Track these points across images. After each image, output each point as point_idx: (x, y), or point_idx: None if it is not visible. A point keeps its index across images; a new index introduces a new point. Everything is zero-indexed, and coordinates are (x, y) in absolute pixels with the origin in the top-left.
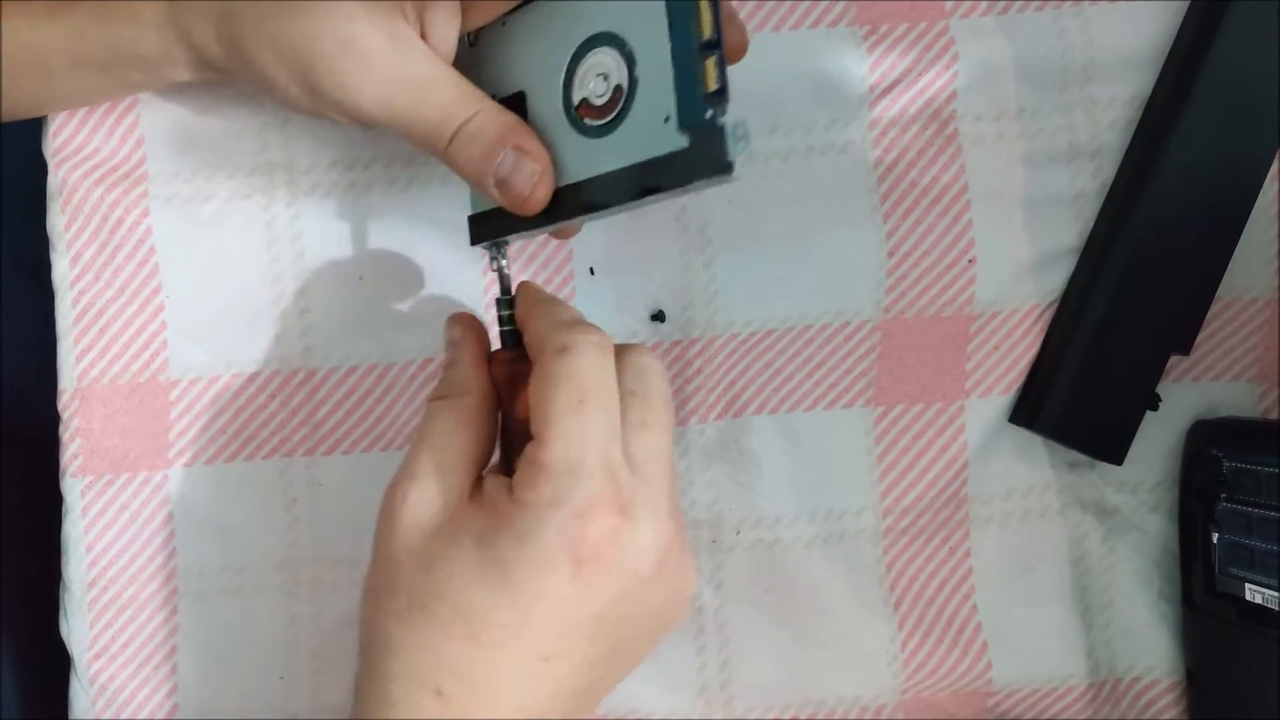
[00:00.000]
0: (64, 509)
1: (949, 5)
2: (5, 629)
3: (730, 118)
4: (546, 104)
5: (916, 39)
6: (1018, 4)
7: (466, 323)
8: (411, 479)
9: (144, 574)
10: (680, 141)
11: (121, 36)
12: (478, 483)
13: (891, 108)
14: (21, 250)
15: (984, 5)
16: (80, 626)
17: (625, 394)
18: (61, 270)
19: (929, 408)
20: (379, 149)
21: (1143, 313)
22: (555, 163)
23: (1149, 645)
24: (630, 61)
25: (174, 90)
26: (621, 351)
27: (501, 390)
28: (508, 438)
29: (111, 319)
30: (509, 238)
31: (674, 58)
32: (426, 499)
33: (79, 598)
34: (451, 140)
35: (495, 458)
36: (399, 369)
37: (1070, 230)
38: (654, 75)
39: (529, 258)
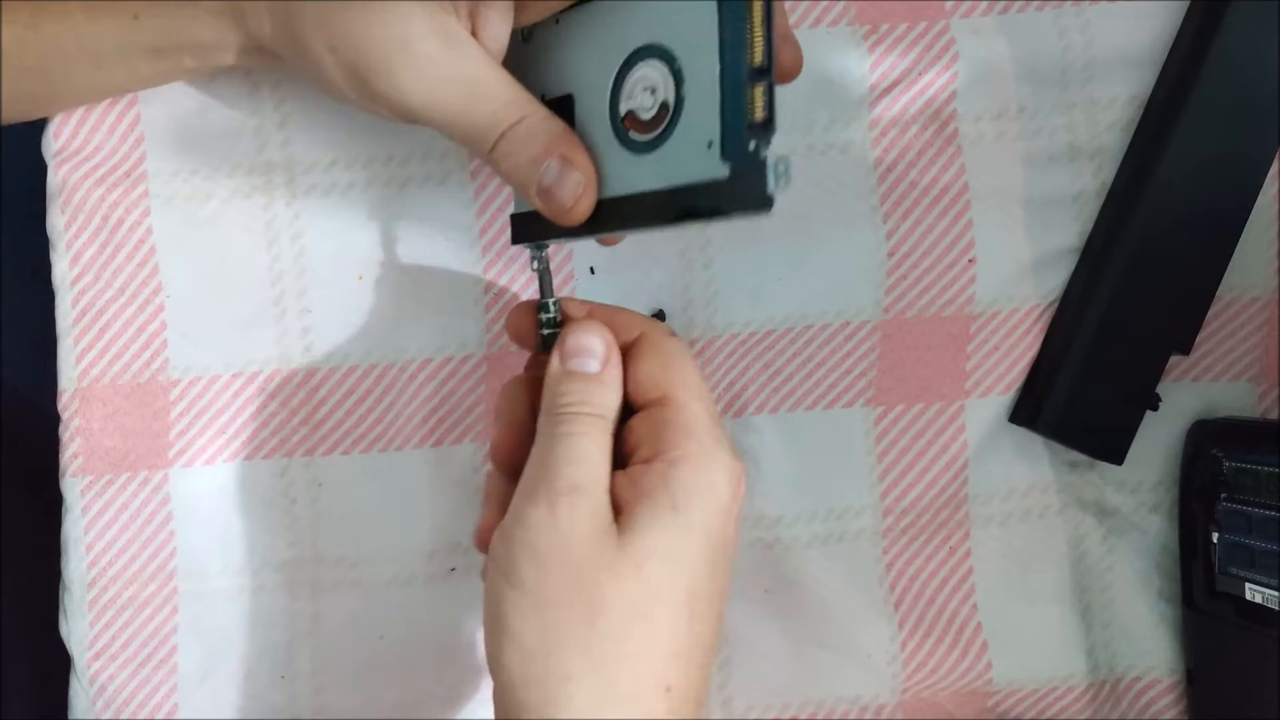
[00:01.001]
0: (64, 509)
1: (949, 5)
2: (5, 629)
3: (773, 150)
4: (594, 111)
5: (916, 39)
6: (1018, 4)
7: (609, 341)
8: (584, 493)
9: (144, 574)
10: (721, 170)
11: (177, 23)
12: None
13: (892, 108)
14: (21, 250)
15: (984, 5)
16: (80, 626)
17: (686, 393)
18: (62, 270)
19: (929, 408)
20: (379, 149)
21: (1143, 313)
22: (598, 173)
23: (1149, 645)
24: (678, 79)
25: (174, 90)
26: (659, 352)
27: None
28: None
29: (112, 319)
30: (549, 242)
31: (722, 82)
32: (599, 512)
33: (79, 598)
34: (497, 144)
35: None
36: (399, 369)
37: (1070, 230)
38: (701, 97)
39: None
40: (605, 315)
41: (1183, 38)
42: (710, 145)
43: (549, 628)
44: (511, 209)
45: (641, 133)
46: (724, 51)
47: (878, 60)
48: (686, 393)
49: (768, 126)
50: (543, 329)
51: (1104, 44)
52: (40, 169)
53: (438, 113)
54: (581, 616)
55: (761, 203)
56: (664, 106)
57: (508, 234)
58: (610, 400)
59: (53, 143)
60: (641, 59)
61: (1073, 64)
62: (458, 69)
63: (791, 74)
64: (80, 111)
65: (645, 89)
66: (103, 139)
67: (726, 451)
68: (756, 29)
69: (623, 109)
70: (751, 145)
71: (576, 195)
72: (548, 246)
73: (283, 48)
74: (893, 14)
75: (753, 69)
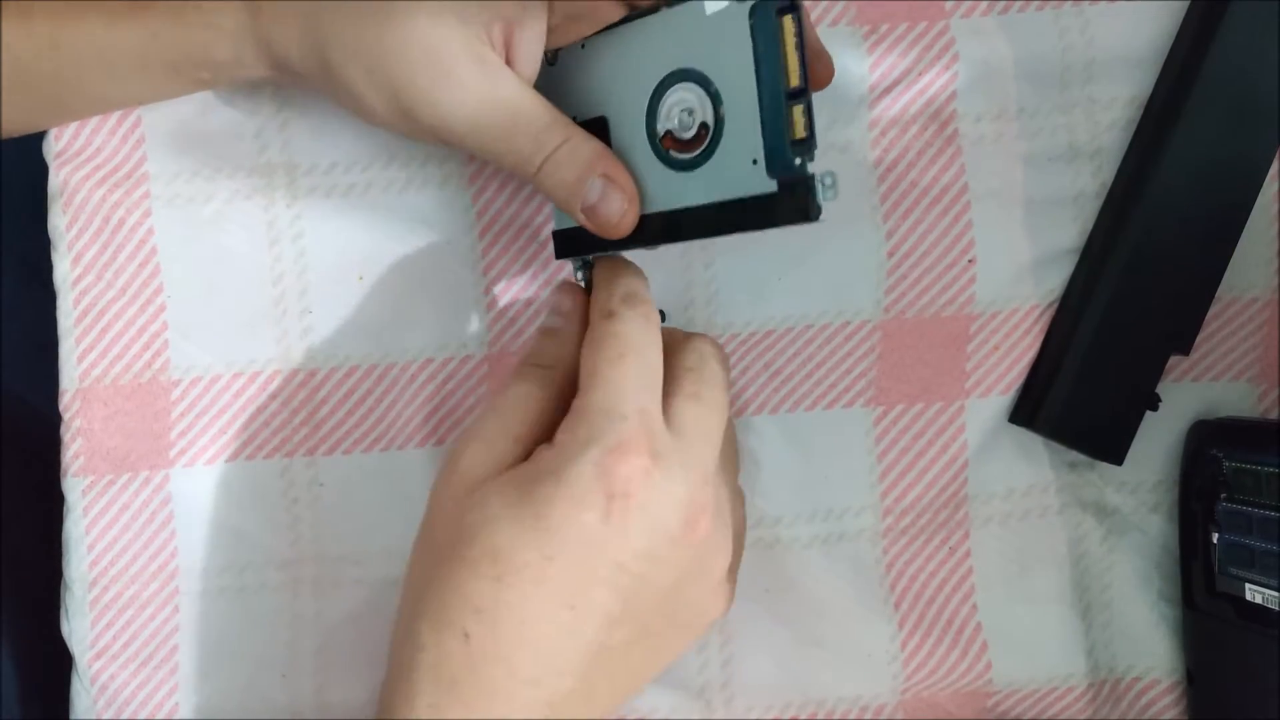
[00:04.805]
0: (65, 508)
1: (949, 5)
2: (6, 628)
3: (817, 165)
4: (629, 131)
5: (916, 39)
6: (1018, 4)
7: (578, 299)
8: (472, 439)
9: (145, 573)
10: (768, 186)
11: (195, 40)
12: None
13: (891, 108)
14: (22, 250)
15: (984, 5)
16: (81, 626)
17: (684, 370)
18: (63, 271)
19: (929, 408)
20: (379, 149)
21: (1143, 313)
22: (640, 190)
23: (1149, 645)
24: (715, 100)
25: None
26: (686, 336)
27: None
28: None
29: (113, 319)
30: (592, 256)
31: (761, 104)
32: (480, 459)
33: (80, 597)
34: (542, 167)
35: None
36: (399, 369)
37: (1070, 230)
38: (740, 117)
39: (529, 258)
40: (601, 281)
41: (1183, 38)
42: (755, 162)
43: (410, 568)
44: (552, 225)
45: (682, 151)
46: (760, 74)
47: (878, 60)
48: (589, 380)
49: (809, 142)
50: None
51: (1104, 44)
52: (41, 170)
53: (480, 138)
54: (429, 560)
55: (811, 215)
56: (703, 126)
57: (507, 234)
58: (558, 352)
59: (54, 144)
60: (676, 82)
61: (1073, 64)
62: (497, 94)
63: (824, 83)
64: None
65: (683, 110)
66: (104, 140)
67: (603, 454)
68: (790, 52)
69: (660, 129)
70: (796, 161)
71: (622, 211)
72: (591, 262)
73: (311, 70)
74: (893, 14)
75: (789, 90)
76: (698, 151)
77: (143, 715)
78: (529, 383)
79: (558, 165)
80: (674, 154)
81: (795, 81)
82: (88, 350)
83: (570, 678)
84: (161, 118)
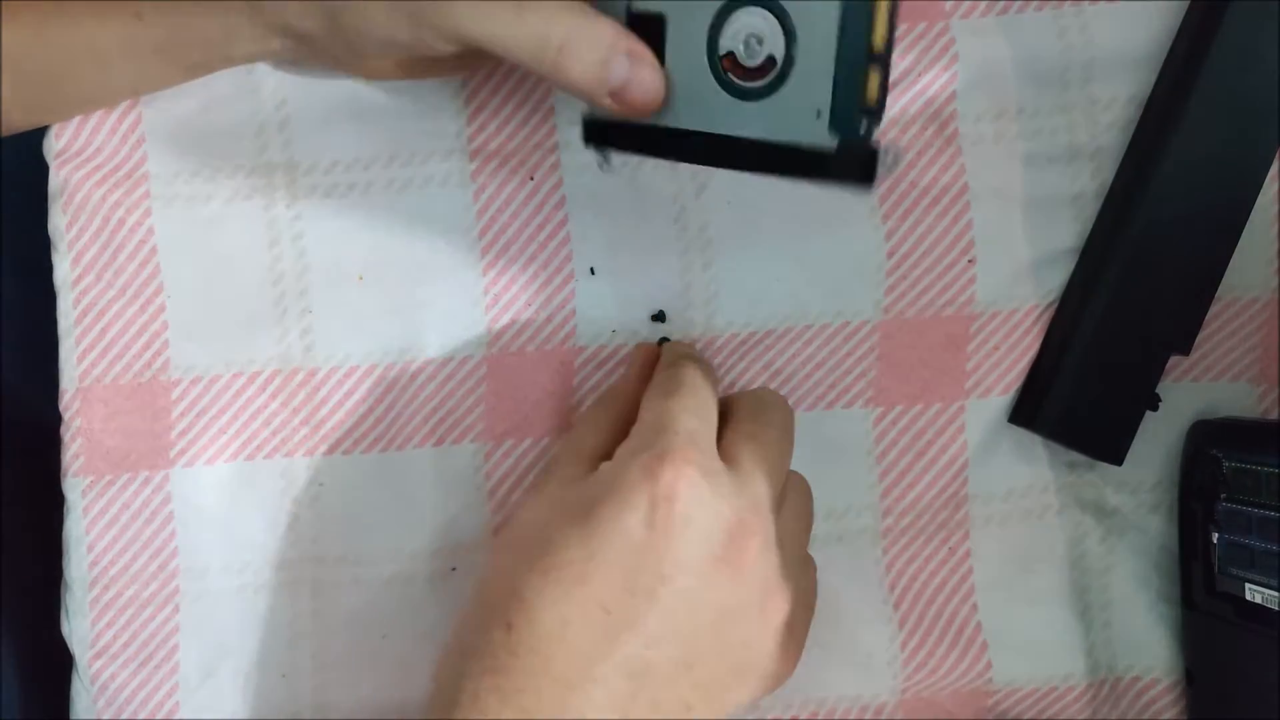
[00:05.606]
0: (65, 508)
1: (949, 5)
2: (6, 628)
3: (879, 136)
4: (689, 41)
5: (916, 39)
6: (1018, 4)
7: (652, 354)
8: (551, 462)
9: (145, 573)
10: (829, 142)
11: (181, 15)
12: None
13: (891, 108)
14: (22, 250)
15: (984, 5)
16: (82, 626)
17: (743, 413)
18: (63, 270)
19: (929, 408)
20: (379, 149)
21: (1143, 313)
22: (693, 105)
23: (1148, 645)
24: (790, 36)
25: (175, 91)
26: (751, 390)
27: None
28: None
29: (113, 319)
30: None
31: (839, 59)
32: (560, 479)
33: (80, 597)
34: (560, 51)
35: None
36: (399, 369)
37: (1070, 230)
38: (814, 63)
39: (529, 258)
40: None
41: (1183, 38)
42: (819, 115)
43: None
44: (584, 111)
45: (742, 78)
46: (845, 26)
47: None
48: (643, 409)
49: (879, 110)
50: None
51: (1104, 44)
52: (41, 170)
53: (491, 29)
54: (491, 557)
55: (867, 181)
56: (770, 60)
57: (507, 234)
58: (624, 388)
59: (54, 144)
60: (749, 4)
61: (1073, 64)
62: None
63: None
64: None
65: (751, 36)
66: (104, 140)
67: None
68: (883, 14)
69: (722, 48)
70: (863, 126)
71: (657, 88)
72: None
73: (311, 14)
74: None
75: (873, 53)
76: (759, 83)
77: (143, 715)
78: (594, 410)
79: (578, 48)
80: (733, 78)
81: (880, 45)
82: (88, 350)
83: (603, 687)
84: (162, 117)
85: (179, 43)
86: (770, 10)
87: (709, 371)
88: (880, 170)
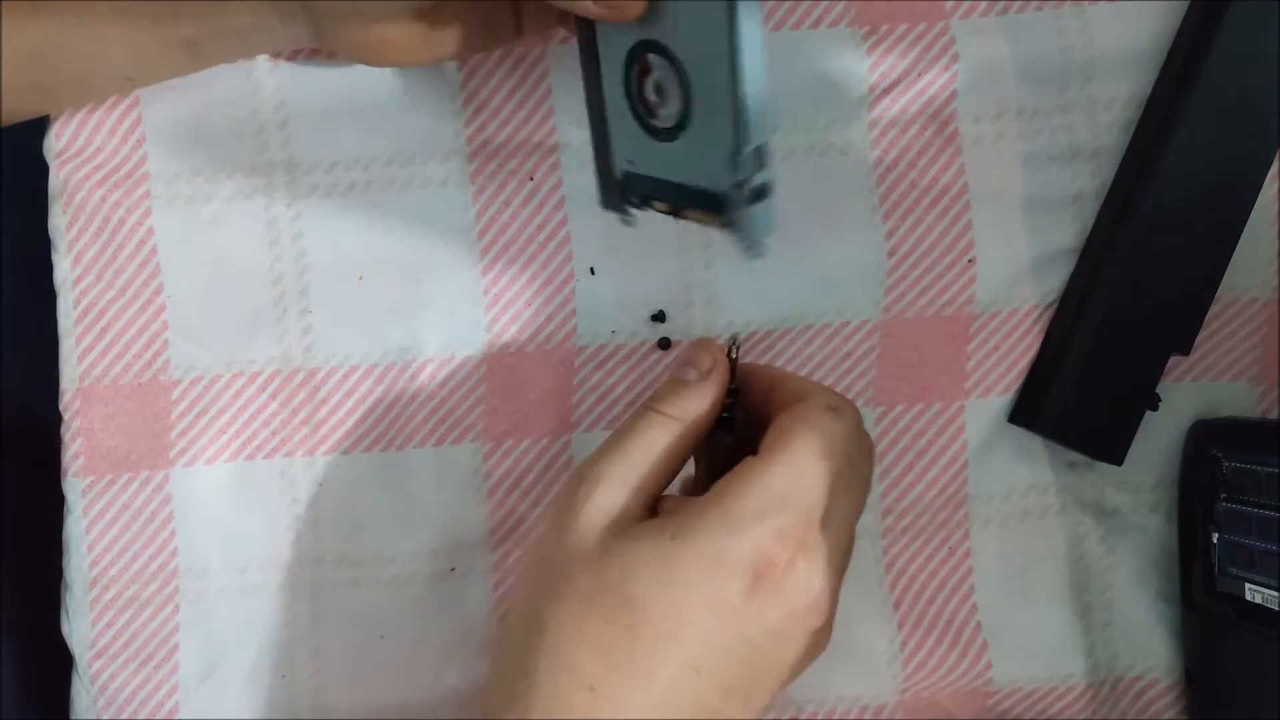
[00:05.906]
0: (65, 508)
1: (949, 5)
2: (6, 628)
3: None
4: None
5: (916, 39)
6: (1017, 4)
7: (719, 358)
8: (600, 482)
9: (145, 573)
10: (724, 186)
11: (213, 12)
12: (657, 502)
13: (891, 108)
14: (22, 250)
15: (984, 5)
16: (82, 626)
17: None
18: (63, 270)
19: (929, 408)
20: (379, 150)
21: (1143, 313)
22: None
23: (1148, 645)
24: (685, 83)
25: (175, 91)
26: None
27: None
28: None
29: (113, 319)
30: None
31: (735, 102)
32: (609, 505)
33: (80, 597)
34: None
35: None
36: (399, 369)
37: (1070, 230)
38: (712, 106)
39: (529, 258)
40: (771, 377)
41: (1183, 38)
42: (721, 158)
43: (519, 599)
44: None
45: (653, 120)
46: (736, 71)
47: (877, 60)
48: (786, 455)
49: (764, 154)
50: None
51: (1104, 44)
52: (41, 170)
53: None
54: (545, 593)
55: (755, 254)
56: (674, 103)
57: (507, 234)
58: (692, 407)
59: (54, 144)
60: (650, 50)
61: (1073, 64)
62: None
63: None
64: (82, 113)
65: (654, 82)
66: (104, 140)
67: (770, 542)
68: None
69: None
70: (753, 169)
71: None
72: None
73: None
74: (892, 14)
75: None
76: (669, 126)
77: (143, 715)
78: (656, 430)
79: None
80: (648, 120)
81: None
82: (88, 350)
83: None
84: (162, 117)
85: (172, 12)
86: (665, 57)
87: (861, 419)
88: (766, 221)
